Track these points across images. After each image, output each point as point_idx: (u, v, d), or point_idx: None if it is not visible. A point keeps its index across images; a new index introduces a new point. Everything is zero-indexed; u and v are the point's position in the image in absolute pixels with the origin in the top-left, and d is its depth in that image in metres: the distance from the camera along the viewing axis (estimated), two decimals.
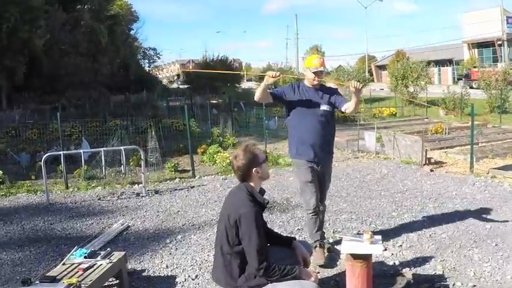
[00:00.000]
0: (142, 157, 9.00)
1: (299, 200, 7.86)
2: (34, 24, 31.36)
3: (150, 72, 61.53)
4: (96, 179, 9.79)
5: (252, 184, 3.74)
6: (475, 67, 43.70)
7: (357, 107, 5.11)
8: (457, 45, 51.78)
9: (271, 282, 3.54)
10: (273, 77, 4.71)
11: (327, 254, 5.20)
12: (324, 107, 5.05)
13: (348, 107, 4.98)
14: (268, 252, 3.63)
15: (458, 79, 29.18)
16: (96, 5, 41.82)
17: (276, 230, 6.19)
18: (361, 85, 4.82)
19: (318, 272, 3.68)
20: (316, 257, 4.97)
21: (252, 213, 3.52)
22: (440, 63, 52.64)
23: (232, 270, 3.64)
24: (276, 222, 6.66)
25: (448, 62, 53.98)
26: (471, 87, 31.58)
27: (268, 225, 6.44)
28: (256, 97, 5.02)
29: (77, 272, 4.02)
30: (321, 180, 5.20)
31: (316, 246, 5.10)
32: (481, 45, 49.46)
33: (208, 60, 44.63)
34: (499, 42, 47.61)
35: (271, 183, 9.14)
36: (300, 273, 3.63)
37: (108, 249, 4.74)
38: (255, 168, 3.69)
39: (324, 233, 5.40)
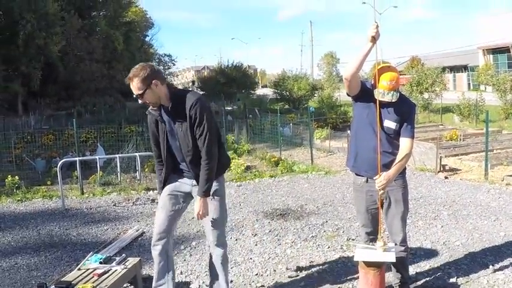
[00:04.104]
0: None
1: (313, 206, 7.89)
2: (50, 31, 31.88)
3: (165, 78, 62.04)
4: (111, 185, 9.88)
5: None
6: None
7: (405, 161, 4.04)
8: (472, 51, 51.44)
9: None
10: (374, 34, 3.51)
11: None
12: (387, 124, 3.97)
13: (400, 149, 4.02)
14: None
15: None
16: (111, 11, 42.33)
17: (290, 237, 6.24)
18: (383, 187, 3.91)
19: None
20: None
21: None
22: (455, 69, 52.26)
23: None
24: (290, 229, 6.64)
25: (463, 68, 53.61)
26: None
27: (282, 232, 6.47)
28: (352, 68, 3.72)
29: (92, 277, 4.06)
30: (386, 209, 4.29)
31: None
32: (496, 50, 49.07)
33: (223, 67, 44.72)
34: None
35: (286, 190, 9.17)
36: None
37: (123, 255, 4.77)
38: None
39: None
